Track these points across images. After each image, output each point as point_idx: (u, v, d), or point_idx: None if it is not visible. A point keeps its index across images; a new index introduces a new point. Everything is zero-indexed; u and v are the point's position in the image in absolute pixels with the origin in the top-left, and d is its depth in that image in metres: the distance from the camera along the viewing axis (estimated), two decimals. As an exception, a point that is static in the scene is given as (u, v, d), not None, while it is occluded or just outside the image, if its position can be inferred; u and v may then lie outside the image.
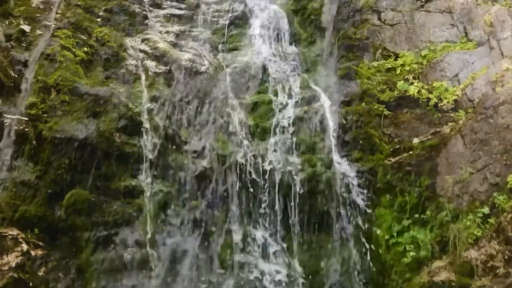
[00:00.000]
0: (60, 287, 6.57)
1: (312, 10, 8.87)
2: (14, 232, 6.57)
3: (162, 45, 8.23)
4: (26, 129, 7.05)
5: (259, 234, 6.98)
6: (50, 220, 6.77)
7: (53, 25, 7.99)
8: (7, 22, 7.84)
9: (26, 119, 7.08)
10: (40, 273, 6.52)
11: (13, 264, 6.35)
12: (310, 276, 6.77)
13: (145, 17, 8.73)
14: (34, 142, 6.99)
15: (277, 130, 7.37)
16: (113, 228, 6.86)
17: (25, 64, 7.56)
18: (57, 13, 8.20)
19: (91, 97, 7.36)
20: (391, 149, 7.14)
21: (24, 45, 7.74)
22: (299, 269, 6.80)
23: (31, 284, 6.43)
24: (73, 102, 7.30)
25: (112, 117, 7.23)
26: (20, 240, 6.54)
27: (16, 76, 7.43)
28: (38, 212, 6.74)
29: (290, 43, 8.72)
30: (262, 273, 6.77)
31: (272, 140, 7.31)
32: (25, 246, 6.52)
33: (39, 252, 6.60)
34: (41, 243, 6.66)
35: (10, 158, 6.94)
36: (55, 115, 7.16)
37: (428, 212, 6.60)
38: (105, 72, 7.77)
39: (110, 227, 6.86)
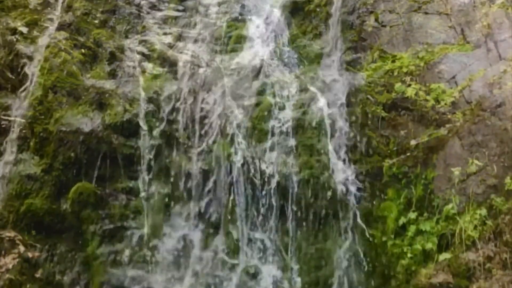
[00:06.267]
0: (66, 280, 6.61)
1: (318, 2, 8.87)
2: (11, 234, 6.57)
3: (159, 46, 8.23)
4: (30, 126, 7.10)
5: (257, 235, 6.99)
6: (56, 213, 6.81)
7: (51, 27, 8.00)
8: (4, 24, 7.84)
9: (23, 121, 7.11)
10: (38, 275, 6.51)
11: (10, 266, 6.35)
12: (309, 277, 6.77)
13: (143, 19, 8.73)
14: (38, 137, 7.03)
15: (275, 132, 7.37)
16: (119, 222, 6.90)
17: (30, 57, 7.58)
18: (54, 15, 8.20)
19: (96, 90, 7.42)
20: (389, 151, 7.15)
21: (30, 37, 7.78)
22: (297, 270, 6.80)
23: (28, 286, 6.42)
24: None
25: (117, 111, 7.26)
26: (17, 242, 6.54)
27: (17, 73, 7.48)
28: (44, 205, 6.78)
29: (288, 44, 8.73)
30: (261, 274, 6.77)
31: (269, 142, 7.31)
32: (22, 248, 6.52)
33: (36, 254, 6.60)
34: (38, 245, 6.66)
35: (15, 152, 6.98)
36: (60, 109, 7.20)
37: (425, 214, 6.61)
38: (103, 74, 7.78)
39: (117, 220, 6.90)
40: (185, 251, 6.94)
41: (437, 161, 6.81)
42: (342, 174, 7.01)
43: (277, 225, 6.99)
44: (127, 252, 6.78)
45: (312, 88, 7.76)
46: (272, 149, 7.25)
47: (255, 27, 8.78)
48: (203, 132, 7.46)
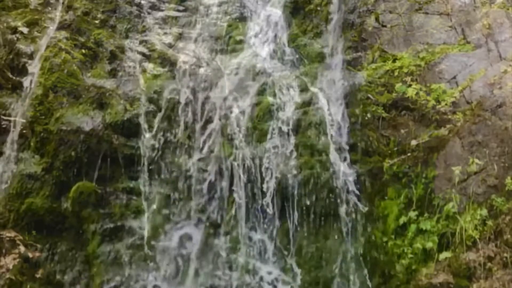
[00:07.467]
0: (67, 279, 6.62)
1: (319, 1, 8.87)
2: (11, 234, 6.57)
3: (160, 47, 8.24)
4: (30, 126, 7.12)
5: (258, 236, 6.98)
6: (57, 212, 6.83)
7: (51, 27, 8.00)
8: (5, 24, 7.84)
9: (23, 120, 7.12)
10: (38, 275, 6.52)
11: (11, 266, 6.35)
12: (309, 277, 6.77)
13: (143, 19, 8.74)
14: (39, 136, 7.05)
15: (275, 132, 7.37)
16: (120, 221, 6.92)
17: (31, 56, 7.58)
18: (55, 14, 8.21)
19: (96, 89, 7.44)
20: (389, 151, 7.15)
21: (31, 37, 7.79)
22: (297, 269, 6.80)
23: (29, 286, 6.43)
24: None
25: (118, 110, 7.27)
26: (18, 242, 6.54)
27: (18, 73, 7.48)
28: (44, 205, 6.80)
29: (289, 44, 8.73)
30: (261, 275, 6.77)
31: (270, 142, 7.31)
32: (22, 248, 6.52)
33: (37, 253, 6.60)
34: (39, 245, 6.67)
35: (16, 151, 6.99)
36: (60, 109, 7.21)
37: (426, 213, 6.61)
38: (103, 73, 7.79)
39: (117, 219, 6.92)
40: (186, 251, 6.93)
41: (437, 160, 6.81)
42: (343, 173, 7.01)
43: (277, 225, 6.99)
44: (127, 251, 6.79)
45: (313, 88, 7.77)
46: (272, 149, 7.24)
47: (255, 27, 8.79)
48: (203, 132, 7.46)
